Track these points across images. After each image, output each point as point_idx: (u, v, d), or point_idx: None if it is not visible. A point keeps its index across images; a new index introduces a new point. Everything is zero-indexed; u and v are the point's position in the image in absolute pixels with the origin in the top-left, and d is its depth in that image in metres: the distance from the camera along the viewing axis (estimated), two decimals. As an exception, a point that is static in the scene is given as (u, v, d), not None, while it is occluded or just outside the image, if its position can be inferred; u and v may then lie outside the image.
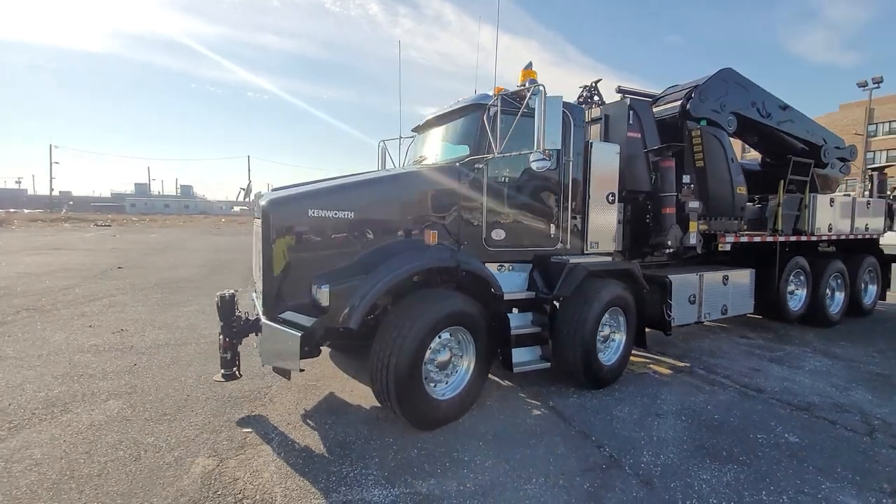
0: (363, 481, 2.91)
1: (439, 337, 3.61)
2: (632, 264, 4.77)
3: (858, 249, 7.68)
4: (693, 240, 5.24)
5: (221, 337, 3.90)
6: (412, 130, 5.62)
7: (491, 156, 3.92)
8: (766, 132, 6.80)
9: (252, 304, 4.51)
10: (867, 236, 7.52)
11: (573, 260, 4.37)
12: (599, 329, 4.41)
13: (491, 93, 4.56)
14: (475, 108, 4.31)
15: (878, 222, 7.63)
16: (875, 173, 8.34)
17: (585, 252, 4.78)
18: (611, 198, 4.90)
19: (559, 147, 3.64)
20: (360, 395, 4.30)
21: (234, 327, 3.92)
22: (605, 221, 4.90)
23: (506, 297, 4.01)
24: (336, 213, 3.70)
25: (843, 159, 7.48)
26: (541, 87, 3.53)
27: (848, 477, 3.05)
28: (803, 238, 6.64)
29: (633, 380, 4.81)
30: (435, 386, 3.69)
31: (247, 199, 4.81)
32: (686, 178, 5.30)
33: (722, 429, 3.73)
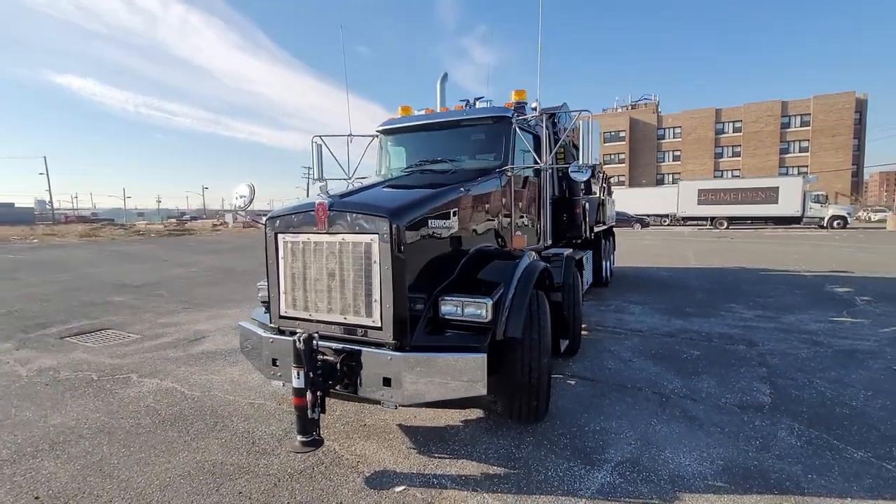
0: (581, 474, 3.07)
1: None
2: (582, 253, 6.08)
3: (605, 233, 11.57)
4: (588, 231, 7.03)
5: (309, 393, 2.96)
6: (380, 132, 5.24)
7: (539, 165, 4.38)
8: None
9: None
10: (612, 224, 11.47)
11: (566, 253, 5.30)
12: None
13: (504, 104, 4.96)
14: (499, 120, 4.62)
15: (613, 213, 11.73)
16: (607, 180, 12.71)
17: (546, 247, 5.77)
18: (549, 201, 6.07)
19: (598, 163, 4.48)
20: (425, 416, 3.98)
21: (321, 376, 3.04)
22: (549, 221, 6.02)
23: None
24: (444, 222, 3.46)
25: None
26: (588, 112, 4.28)
27: (740, 369, 5.17)
28: (605, 226, 9.67)
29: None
30: None
31: (241, 209, 3.46)
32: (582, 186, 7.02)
33: (668, 357, 5.48)
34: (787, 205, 32.39)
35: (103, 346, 6.51)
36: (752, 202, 33.59)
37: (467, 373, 2.95)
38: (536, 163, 4.59)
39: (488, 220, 4.12)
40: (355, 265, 3.12)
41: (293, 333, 3.41)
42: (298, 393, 2.95)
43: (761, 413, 3.97)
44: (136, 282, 12.77)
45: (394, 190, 3.81)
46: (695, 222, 37.12)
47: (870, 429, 3.66)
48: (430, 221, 3.29)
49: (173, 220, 67.75)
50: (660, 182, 63.56)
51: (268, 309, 3.98)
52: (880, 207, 50.37)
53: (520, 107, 4.88)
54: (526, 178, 4.99)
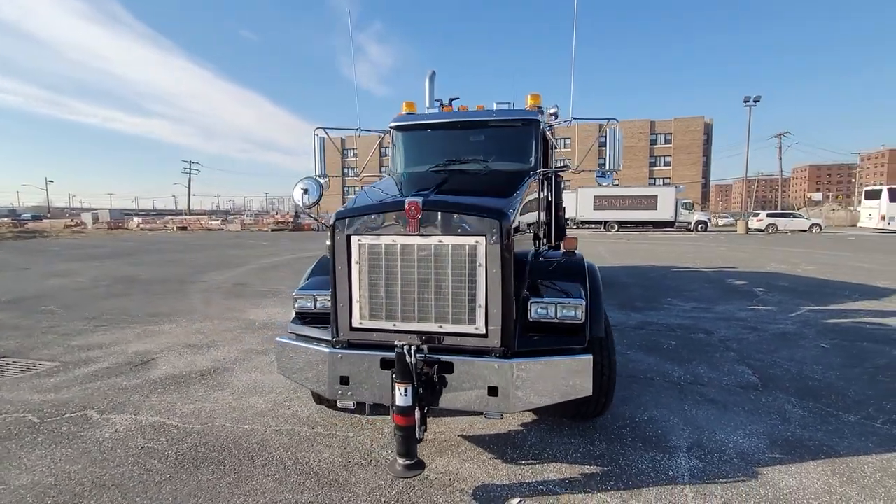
0: (666, 463, 3.25)
1: None
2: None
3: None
4: (565, 232, 7.41)
5: (418, 411, 2.73)
6: (394, 128, 4.96)
7: (571, 168, 4.52)
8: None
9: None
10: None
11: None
12: None
13: (526, 107, 5.03)
14: (528, 122, 4.68)
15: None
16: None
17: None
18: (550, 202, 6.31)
19: (621, 167, 4.76)
20: (482, 424, 3.87)
21: (426, 391, 2.81)
22: (553, 222, 6.26)
23: None
24: (522, 222, 3.41)
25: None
26: (616, 119, 4.54)
27: (716, 355, 5.91)
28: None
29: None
30: None
31: (305, 209, 2.97)
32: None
33: (653, 349, 6.03)
34: (664, 210, 37.66)
35: (15, 380, 5.18)
36: (637, 208, 38.41)
37: (577, 375, 2.95)
38: (566, 166, 4.75)
39: (535, 220, 4.16)
40: (456, 269, 2.93)
41: (365, 346, 3.10)
42: (405, 412, 2.68)
43: (759, 391, 4.58)
44: (4, 296, 10.33)
45: (465, 190, 3.64)
46: (590, 225, 41.13)
47: (842, 396, 4.44)
48: (520, 223, 3.24)
49: (6, 220, 55.53)
50: (554, 188, 69.06)
51: (304, 320, 3.55)
52: (723, 214, 61.07)
53: (539, 110, 5.00)
54: (541, 181, 5.13)
